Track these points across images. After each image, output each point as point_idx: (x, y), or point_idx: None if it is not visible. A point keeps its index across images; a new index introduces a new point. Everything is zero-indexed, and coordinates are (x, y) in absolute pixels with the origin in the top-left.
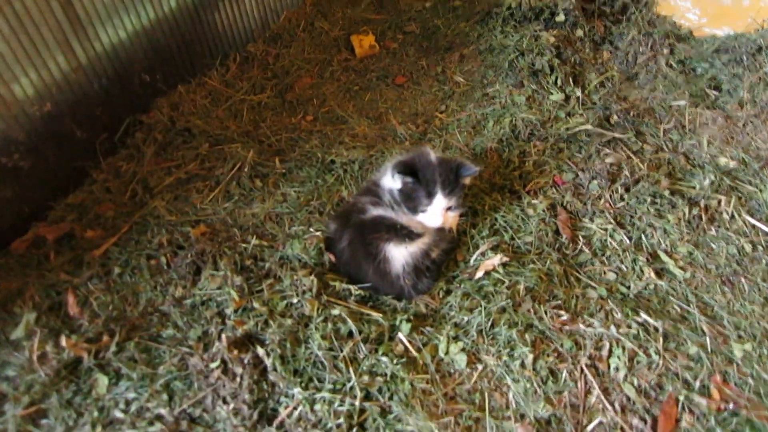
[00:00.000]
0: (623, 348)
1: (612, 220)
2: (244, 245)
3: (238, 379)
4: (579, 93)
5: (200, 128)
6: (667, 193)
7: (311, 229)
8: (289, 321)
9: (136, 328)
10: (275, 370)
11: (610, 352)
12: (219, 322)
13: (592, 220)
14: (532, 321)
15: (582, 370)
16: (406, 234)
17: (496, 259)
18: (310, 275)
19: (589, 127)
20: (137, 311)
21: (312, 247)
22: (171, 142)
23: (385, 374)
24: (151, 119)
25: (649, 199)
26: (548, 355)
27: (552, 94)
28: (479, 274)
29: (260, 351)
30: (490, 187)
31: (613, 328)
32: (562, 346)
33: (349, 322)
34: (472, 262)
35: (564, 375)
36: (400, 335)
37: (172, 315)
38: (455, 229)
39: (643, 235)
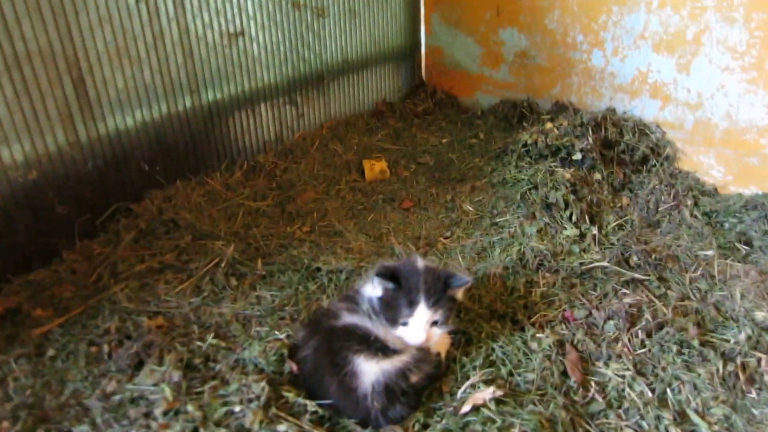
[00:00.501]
0: None
1: (631, 368)
2: (199, 343)
3: None
4: (595, 231)
5: (187, 221)
6: (696, 343)
7: (276, 333)
8: (223, 431)
9: (47, 420)
10: None
11: None
12: (143, 424)
13: (607, 365)
14: None
15: None
16: (379, 348)
17: (488, 392)
18: (262, 382)
19: (606, 264)
20: (57, 401)
21: (273, 352)
22: (153, 231)
23: None
24: (141, 208)
25: (675, 348)
26: None
27: (566, 229)
28: (466, 407)
29: None
30: (490, 314)
31: None
32: None
33: None
34: (459, 394)
35: None
36: None
37: (93, 410)
38: (443, 355)
39: (668, 389)
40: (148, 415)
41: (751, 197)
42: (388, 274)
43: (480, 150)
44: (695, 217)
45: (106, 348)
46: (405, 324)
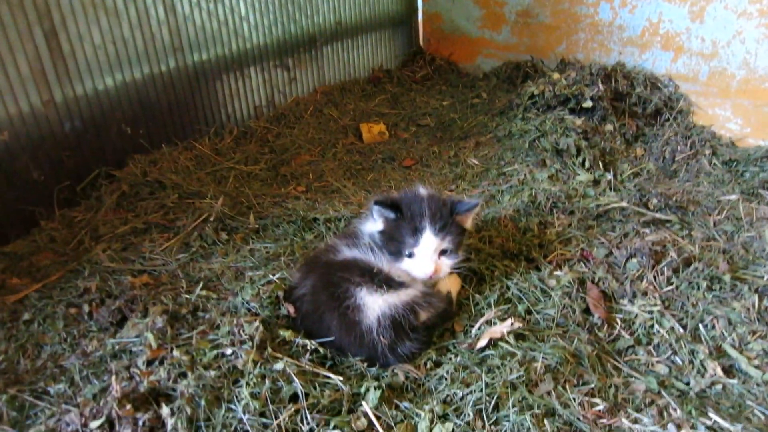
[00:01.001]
0: None
1: (659, 304)
2: (187, 296)
3: None
4: (610, 177)
5: (173, 182)
6: (727, 278)
7: (271, 276)
8: (213, 373)
9: (20, 382)
10: None
11: None
12: (125, 377)
13: (632, 302)
14: (553, 406)
15: None
16: (384, 280)
17: (506, 325)
18: (255, 322)
19: (624, 204)
20: (33, 365)
21: (267, 296)
22: (137, 193)
23: None
24: (124, 174)
25: (704, 284)
26: None
27: (578, 174)
28: (482, 342)
29: (164, 410)
30: (502, 253)
31: (672, 428)
32: None
33: (296, 381)
34: (474, 331)
35: None
36: (365, 406)
37: (70, 369)
38: (454, 295)
39: (700, 325)
40: (130, 367)
41: None
42: (388, 202)
43: (483, 108)
44: (714, 165)
45: (86, 308)
46: (411, 255)
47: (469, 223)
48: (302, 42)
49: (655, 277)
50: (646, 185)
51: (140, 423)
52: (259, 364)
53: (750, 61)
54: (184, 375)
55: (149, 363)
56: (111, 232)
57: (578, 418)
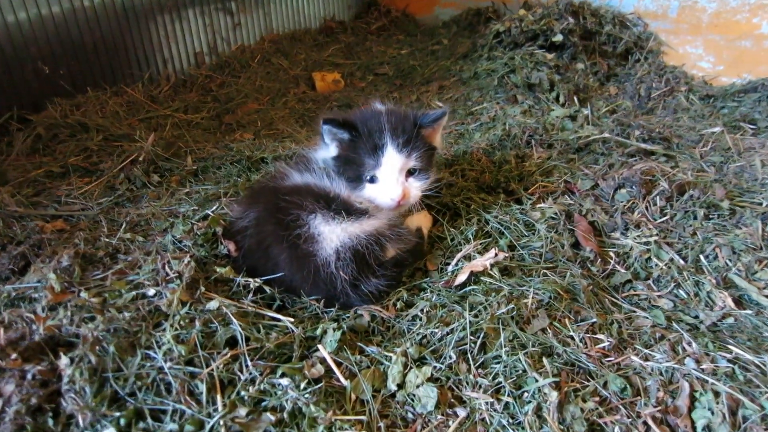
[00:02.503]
0: (715, 393)
1: (654, 236)
2: (107, 240)
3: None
4: (587, 112)
5: (98, 124)
6: (726, 204)
7: (207, 211)
8: (127, 315)
9: None
10: (76, 391)
11: (693, 399)
12: (18, 329)
13: (624, 234)
14: (551, 344)
15: (648, 427)
16: (343, 207)
17: (489, 256)
18: (186, 258)
19: (607, 135)
20: None
21: (202, 232)
22: (56, 136)
23: (282, 409)
24: (41, 118)
25: (702, 213)
26: (584, 399)
27: (553, 110)
28: (462, 277)
29: (63, 360)
30: (477, 186)
31: (690, 363)
32: (605, 385)
33: (235, 323)
34: (450, 269)
35: None
36: (321, 351)
37: None
38: (425, 231)
39: (701, 256)
40: (29, 315)
41: (747, 83)
42: (341, 121)
43: (444, 54)
44: (692, 101)
45: None
46: (373, 180)
47: (437, 138)
48: None
49: (647, 208)
50: (625, 119)
51: (28, 376)
52: (188, 305)
53: None
54: (92, 319)
55: (51, 309)
56: (22, 176)
57: (581, 357)
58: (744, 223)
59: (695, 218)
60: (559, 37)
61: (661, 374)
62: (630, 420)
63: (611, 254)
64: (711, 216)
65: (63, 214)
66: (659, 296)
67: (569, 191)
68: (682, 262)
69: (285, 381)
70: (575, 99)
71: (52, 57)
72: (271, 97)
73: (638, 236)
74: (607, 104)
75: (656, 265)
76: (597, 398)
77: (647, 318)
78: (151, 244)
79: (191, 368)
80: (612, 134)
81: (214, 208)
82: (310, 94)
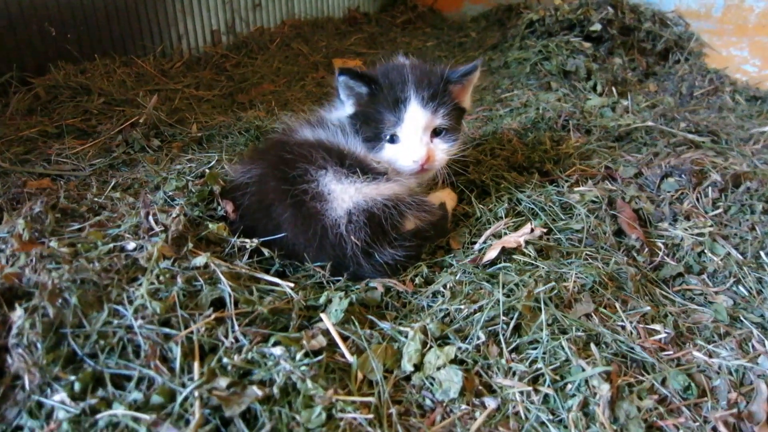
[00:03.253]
0: None
1: (708, 228)
2: (96, 198)
3: None
4: (627, 103)
5: (100, 88)
6: None
7: (206, 168)
8: (97, 266)
9: None
10: (26, 346)
11: None
12: None
13: (673, 225)
14: (598, 331)
15: None
16: (358, 165)
17: (524, 232)
18: (174, 211)
19: (651, 123)
20: None
21: (197, 189)
22: (56, 98)
23: (272, 383)
24: (43, 82)
25: (760, 207)
26: (640, 396)
27: (590, 99)
28: (492, 254)
29: (17, 312)
30: (508, 165)
31: (765, 363)
32: (664, 382)
33: (223, 281)
34: (478, 245)
35: None
36: (325, 320)
37: None
38: (450, 209)
39: (762, 252)
40: None
41: None
42: (359, 73)
43: (472, 46)
44: (737, 102)
45: None
46: (393, 140)
47: (467, 98)
48: None
49: (698, 199)
50: (669, 113)
51: None
52: (172, 261)
53: None
54: (58, 270)
55: (13, 256)
56: (14, 134)
57: (635, 348)
58: None
59: (753, 212)
60: (597, 26)
61: (730, 373)
62: (697, 424)
63: (659, 245)
64: None
65: (51, 173)
66: (716, 292)
67: (610, 177)
68: (740, 257)
69: (278, 350)
70: (614, 90)
71: (60, 19)
72: (288, 80)
73: (689, 228)
74: (647, 99)
75: (711, 259)
76: (655, 396)
77: (706, 313)
78: (140, 201)
79: (166, 329)
80: (657, 123)
81: (211, 164)
82: (330, 79)
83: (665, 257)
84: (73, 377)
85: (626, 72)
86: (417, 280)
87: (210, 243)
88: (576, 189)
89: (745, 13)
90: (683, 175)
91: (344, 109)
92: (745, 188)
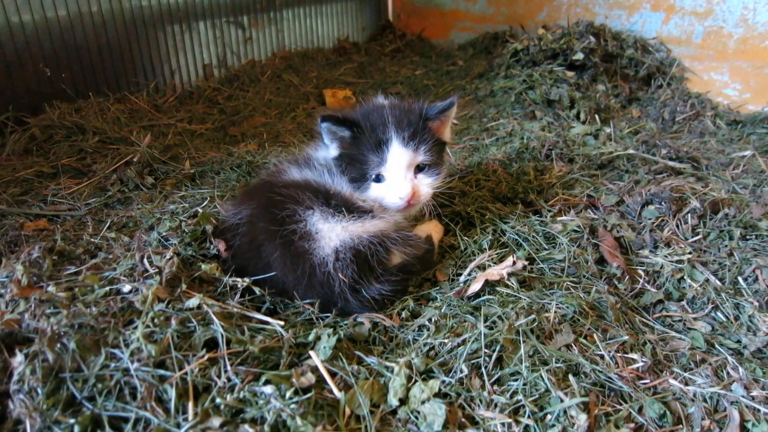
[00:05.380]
0: None
1: (687, 255)
2: (91, 239)
3: None
4: (609, 130)
5: (95, 127)
6: (765, 224)
7: (198, 209)
8: (95, 310)
9: None
10: (27, 392)
11: (744, 429)
12: None
13: (653, 252)
14: (577, 361)
15: None
16: (344, 205)
17: (506, 264)
18: (168, 253)
19: (632, 151)
20: None
21: (191, 229)
22: (51, 137)
23: (263, 420)
24: (39, 122)
25: (738, 232)
26: (616, 425)
27: (574, 127)
28: (476, 286)
29: (18, 358)
30: (492, 196)
31: (738, 389)
32: (641, 410)
33: (216, 323)
34: (463, 277)
35: None
36: (314, 357)
37: None
38: (436, 241)
39: (740, 278)
40: None
41: None
42: (340, 117)
43: (459, 74)
44: (719, 126)
45: None
46: (379, 179)
47: (446, 131)
48: (259, 0)
49: (678, 226)
50: (650, 139)
51: None
52: (166, 303)
53: (748, 17)
54: (57, 314)
55: (14, 301)
56: (11, 175)
57: (613, 377)
58: None
59: (731, 238)
60: (579, 55)
61: (704, 400)
62: None
63: (640, 272)
64: (748, 236)
65: (47, 214)
66: (695, 318)
67: (592, 206)
68: (718, 283)
69: (268, 389)
70: (597, 118)
71: (54, 60)
72: (279, 112)
73: (669, 255)
74: (630, 125)
75: (690, 285)
76: (632, 425)
77: (684, 340)
78: (135, 241)
79: (162, 371)
80: (638, 151)
81: (204, 204)
82: (320, 110)
83: (646, 284)
84: (72, 420)
85: (609, 98)
86: (404, 314)
87: (203, 282)
88: (559, 219)
89: (724, 39)
90: (663, 203)
91: (329, 151)
92: (723, 214)
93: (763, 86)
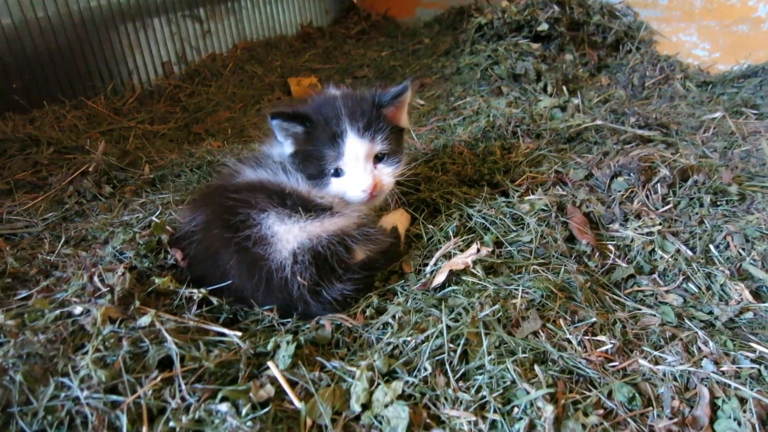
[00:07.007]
0: (740, 399)
1: (657, 225)
2: (46, 256)
3: None
4: (578, 101)
5: (50, 137)
6: (734, 189)
7: (153, 218)
8: (43, 338)
9: None
10: None
11: (715, 407)
12: None
13: (624, 225)
14: (543, 349)
15: None
16: (300, 204)
17: (470, 253)
18: (119, 270)
19: (600, 122)
20: None
21: (145, 241)
22: (4, 152)
23: None
24: None
25: (708, 199)
26: (585, 412)
27: (541, 100)
28: (440, 278)
29: None
30: (458, 180)
31: (708, 365)
32: (610, 395)
33: (169, 340)
34: (429, 269)
35: None
36: (272, 368)
37: None
38: (402, 231)
39: (711, 246)
40: None
41: (746, 68)
42: (290, 113)
43: (426, 53)
44: (689, 89)
45: None
46: (338, 174)
47: (403, 117)
48: None
49: (647, 196)
50: (619, 108)
51: None
52: (117, 323)
53: None
54: (3, 345)
55: None
56: None
57: (581, 363)
58: (756, 208)
59: (701, 205)
60: (544, 26)
61: (674, 379)
62: None
63: (610, 247)
64: (719, 202)
65: (4, 233)
66: (667, 291)
67: (561, 182)
68: (690, 253)
69: (224, 407)
70: (564, 89)
71: (3, 71)
72: (243, 105)
73: (639, 227)
74: (599, 94)
75: (661, 257)
76: (601, 411)
77: (655, 316)
78: (92, 257)
79: (114, 396)
80: (605, 121)
81: (157, 213)
82: (286, 99)
83: (617, 259)
84: None
85: (578, 68)
86: (368, 311)
87: (160, 295)
88: (526, 198)
89: (690, 0)
90: (632, 174)
91: (283, 147)
92: (692, 181)
93: (732, 44)
